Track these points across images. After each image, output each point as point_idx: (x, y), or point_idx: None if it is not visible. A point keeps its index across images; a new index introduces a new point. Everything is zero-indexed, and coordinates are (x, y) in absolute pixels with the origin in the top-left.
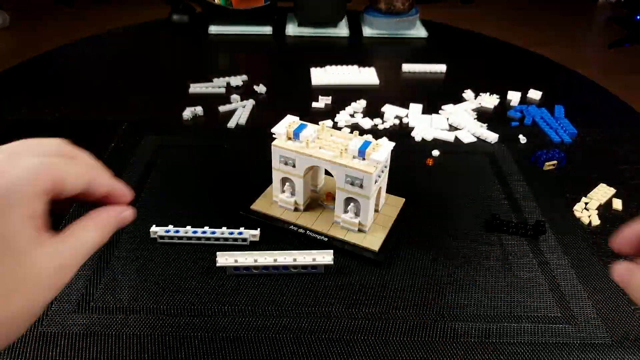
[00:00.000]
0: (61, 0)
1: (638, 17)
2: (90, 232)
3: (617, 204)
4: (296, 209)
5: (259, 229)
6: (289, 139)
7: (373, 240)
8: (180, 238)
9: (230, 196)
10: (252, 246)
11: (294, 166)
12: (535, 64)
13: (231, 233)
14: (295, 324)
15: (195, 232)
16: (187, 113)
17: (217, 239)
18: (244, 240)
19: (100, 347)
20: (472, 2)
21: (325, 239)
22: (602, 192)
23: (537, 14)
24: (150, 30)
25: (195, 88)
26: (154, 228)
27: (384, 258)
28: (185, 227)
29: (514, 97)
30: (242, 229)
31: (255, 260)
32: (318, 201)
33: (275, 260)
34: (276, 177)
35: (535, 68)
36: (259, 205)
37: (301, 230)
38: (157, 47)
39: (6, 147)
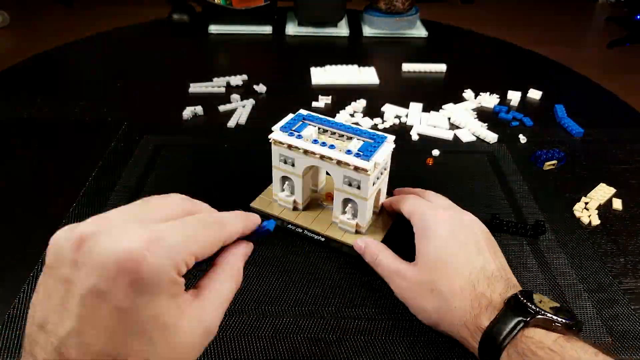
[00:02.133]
0: None
1: (637, 17)
2: (226, 284)
3: (617, 204)
4: (295, 208)
5: None
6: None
7: None
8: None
9: (230, 195)
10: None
11: (293, 165)
12: (535, 64)
13: None
14: (295, 323)
15: None
16: (187, 113)
17: None
18: None
19: None
20: (473, 2)
21: (322, 239)
22: (602, 192)
23: (537, 14)
24: (150, 30)
25: (195, 88)
26: None
27: None
28: None
29: (513, 97)
30: None
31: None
32: (318, 201)
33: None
34: (276, 175)
35: (535, 68)
36: (258, 204)
37: (299, 230)
38: (157, 47)
39: (132, 213)
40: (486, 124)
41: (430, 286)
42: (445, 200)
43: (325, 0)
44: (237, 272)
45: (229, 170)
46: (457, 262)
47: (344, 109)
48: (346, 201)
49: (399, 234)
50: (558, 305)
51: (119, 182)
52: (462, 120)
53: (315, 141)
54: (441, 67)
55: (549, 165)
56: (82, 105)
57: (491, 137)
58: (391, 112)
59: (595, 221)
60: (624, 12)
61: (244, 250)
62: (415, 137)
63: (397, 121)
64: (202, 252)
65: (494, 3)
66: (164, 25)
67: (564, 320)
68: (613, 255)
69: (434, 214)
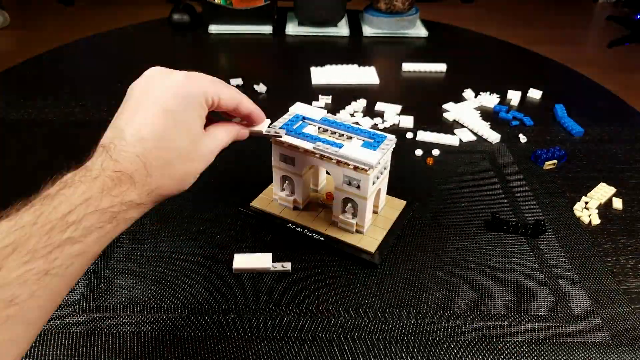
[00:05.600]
0: None
1: (638, 17)
2: (222, 134)
3: (617, 204)
4: (295, 208)
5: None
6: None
7: (370, 242)
8: None
9: (230, 195)
10: (259, 245)
11: (293, 164)
12: (535, 64)
13: None
14: (295, 323)
15: None
16: None
17: None
18: None
19: (101, 346)
20: (473, 1)
21: (322, 239)
22: (602, 192)
23: (537, 14)
24: (150, 30)
25: None
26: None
27: (379, 260)
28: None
29: (514, 96)
30: None
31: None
32: (318, 201)
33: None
34: (276, 175)
35: (535, 68)
36: (258, 203)
37: (299, 229)
38: (158, 47)
39: (184, 72)
40: (488, 124)
41: None
42: None
43: (325, 0)
44: (231, 132)
45: (229, 170)
46: None
47: (344, 108)
48: (346, 201)
49: (401, 234)
50: None
51: None
52: (467, 119)
53: (315, 140)
54: (441, 67)
55: (549, 164)
56: (82, 105)
57: (494, 137)
58: (391, 112)
59: (595, 221)
60: (624, 12)
61: (240, 128)
62: (419, 137)
63: (397, 121)
64: (223, 96)
65: (494, 3)
66: (164, 25)
67: None
68: (613, 255)
69: None
